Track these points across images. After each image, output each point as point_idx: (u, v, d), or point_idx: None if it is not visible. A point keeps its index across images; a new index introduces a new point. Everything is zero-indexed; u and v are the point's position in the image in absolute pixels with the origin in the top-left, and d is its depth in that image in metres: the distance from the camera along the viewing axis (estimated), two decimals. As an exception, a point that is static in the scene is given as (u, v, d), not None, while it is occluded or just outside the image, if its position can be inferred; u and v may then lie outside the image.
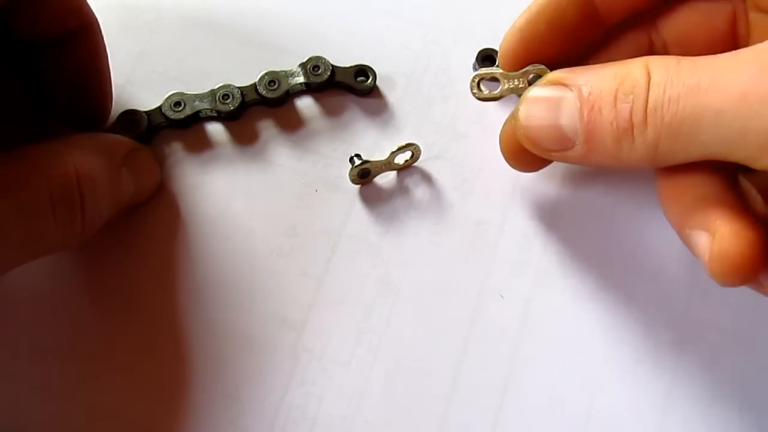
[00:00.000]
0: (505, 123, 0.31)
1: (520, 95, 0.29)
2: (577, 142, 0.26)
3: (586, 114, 0.26)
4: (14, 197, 0.24)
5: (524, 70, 0.29)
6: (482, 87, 0.30)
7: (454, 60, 0.35)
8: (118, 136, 0.31)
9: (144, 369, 0.30)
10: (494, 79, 0.30)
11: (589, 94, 0.26)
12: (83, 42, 0.29)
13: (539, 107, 0.27)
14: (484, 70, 0.30)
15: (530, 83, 0.29)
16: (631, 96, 0.25)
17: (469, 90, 0.30)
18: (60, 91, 0.29)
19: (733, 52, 0.24)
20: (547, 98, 0.27)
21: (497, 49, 0.33)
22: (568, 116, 0.26)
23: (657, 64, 0.25)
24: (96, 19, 0.29)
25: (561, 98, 0.27)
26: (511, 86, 0.30)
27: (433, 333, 0.31)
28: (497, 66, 0.30)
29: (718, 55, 0.24)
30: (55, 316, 0.30)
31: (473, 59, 0.35)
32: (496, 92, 0.30)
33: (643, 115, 0.24)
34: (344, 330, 0.31)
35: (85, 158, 0.26)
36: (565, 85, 0.26)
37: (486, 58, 0.34)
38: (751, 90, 0.22)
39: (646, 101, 0.24)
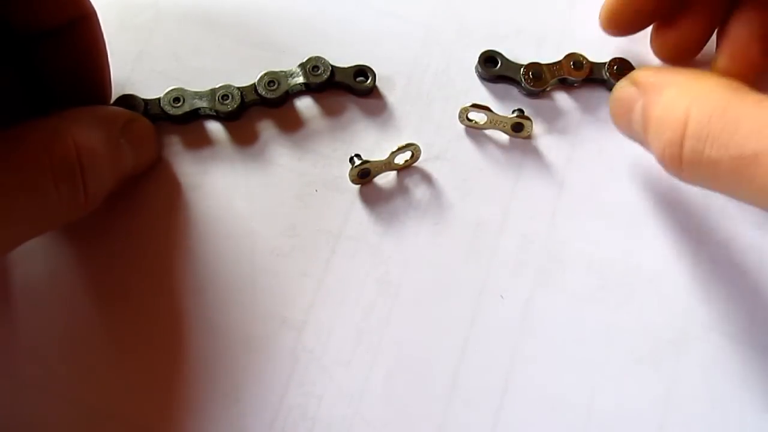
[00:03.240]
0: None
1: (499, 130, 0.34)
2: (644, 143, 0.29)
3: (643, 128, 0.28)
4: (17, 174, 0.24)
5: (509, 116, 0.33)
6: (470, 117, 0.33)
7: (454, 60, 0.35)
8: (114, 107, 0.31)
9: (144, 369, 0.30)
10: (484, 108, 0.33)
11: (645, 112, 0.28)
12: (82, 32, 0.28)
13: (619, 106, 0.30)
14: (474, 107, 0.33)
15: (512, 127, 0.33)
16: (665, 135, 0.26)
17: (457, 116, 0.34)
18: (58, 82, 0.29)
19: None
20: (627, 100, 0.30)
21: (499, 51, 0.34)
22: (637, 121, 0.29)
23: (702, 108, 0.25)
24: (94, 10, 0.29)
25: (634, 102, 0.29)
26: (494, 123, 0.33)
27: (433, 333, 0.31)
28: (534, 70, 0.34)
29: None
30: (54, 317, 0.30)
31: (475, 60, 0.35)
32: (480, 123, 0.34)
33: (677, 160, 0.26)
34: (344, 330, 0.31)
35: (83, 131, 0.27)
36: (640, 88, 0.29)
37: (488, 59, 0.35)
38: None
39: (680, 148, 0.25)
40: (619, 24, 0.33)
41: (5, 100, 0.29)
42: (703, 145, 0.24)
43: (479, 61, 0.35)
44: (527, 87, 0.34)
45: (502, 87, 0.35)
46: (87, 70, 0.30)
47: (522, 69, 0.34)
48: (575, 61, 0.34)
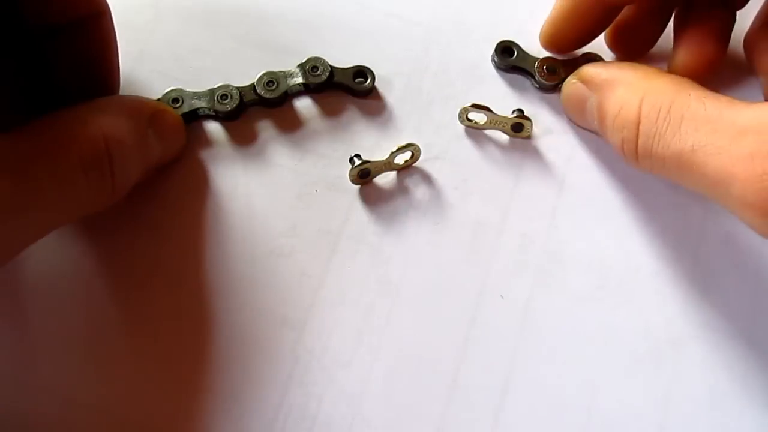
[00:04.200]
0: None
1: (499, 130, 0.34)
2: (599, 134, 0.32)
3: (598, 123, 0.31)
4: (48, 163, 0.24)
5: (509, 117, 0.33)
6: (470, 117, 0.34)
7: (454, 60, 0.35)
8: (141, 97, 0.31)
9: (144, 369, 0.29)
10: (484, 108, 0.33)
11: (599, 109, 0.30)
12: (95, 29, 0.28)
13: (571, 102, 0.33)
14: (474, 107, 0.33)
15: (511, 127, 0.33)
16: (622, 132, 0.28)
17: (457, 117, 0.34)
18: (68, 77, 0.29)
19: (736, 109, 0.25)
20: (578, 96, 0.32)
21: (514, 41, 0.35)
22: (590, 117, 0.32)
23: (651, 106, 0.27)
24: (108, 7, 0.29)
25: (586, 99, 0.32)
26: (494, 123, 0.33)
27: (433, 333, 0.31)
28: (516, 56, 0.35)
29: (721, 106, 0.26)
30: (53, 318, 0.30)
31: (474, 61, 0.35)
32: (480, 123, 0.34)
33: (633, 154, 0.28)
34: (344, 330, 0.31)
35: (111, 121, 0.27)
36: (589, 86, 0.31)
37: (504, 50, 0.35)
38: (733, 170, 0.24)
39: (635, 145, 0.28)
40: (558, 45, 0.34)
41: (13, 93, 0.29)
42: (652, 141, 0.27)
43: (496, 51, 0.35)
44: (541, 81, 0.34)
45: (516, 78, 0.35)
46: (97, 66, 0.30)
47: (537, 63, 0.34)
48: (590, 60, 0.34)
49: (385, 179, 0.33)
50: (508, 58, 0.35)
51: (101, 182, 0.26)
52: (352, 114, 0.34)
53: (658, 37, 0.35)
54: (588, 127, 0.33)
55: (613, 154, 0.34)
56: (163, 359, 0.30)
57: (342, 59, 0.34)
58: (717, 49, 0.32)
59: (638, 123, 0.27)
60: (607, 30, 0.35)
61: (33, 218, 0.24)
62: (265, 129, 0.34)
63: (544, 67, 0.34)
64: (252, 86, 0.33)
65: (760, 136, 0.24)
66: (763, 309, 0.31)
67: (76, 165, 0.25)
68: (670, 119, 0.26)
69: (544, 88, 0.35)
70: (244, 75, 0.33)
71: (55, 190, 0.25)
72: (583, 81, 0.32)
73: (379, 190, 0.33)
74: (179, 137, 0.32)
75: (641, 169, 0.29)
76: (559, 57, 0.35)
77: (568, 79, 0.33)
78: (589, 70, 0.32)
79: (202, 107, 0.33)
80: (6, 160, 0.24)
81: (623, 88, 0.29)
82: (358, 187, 0.33)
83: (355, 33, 0.36)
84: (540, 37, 0.35)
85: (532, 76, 0.35)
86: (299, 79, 0.33)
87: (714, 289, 0.32)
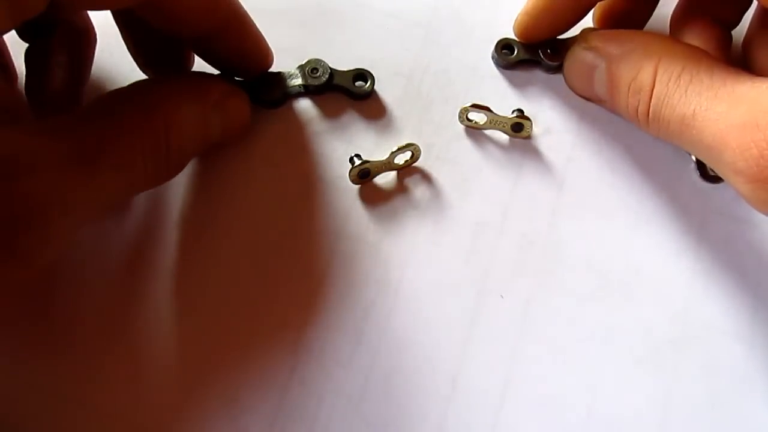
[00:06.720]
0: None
1: (499, 130, 0.34)
2: (606, 102, 0.33)
3: (610, 89, 0.31)
4: (112, 154, 0.25)
5: (509, 116, 0.33)
6: (470, 117, 0.33)
7: (454, 60, 0.35)
8: (213, 78, 0.32)
9: (143, 369, 0.29)
10: (484, 108, 0.33)
11: (612, 74, 0.30)
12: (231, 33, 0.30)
13: (578, 70, 0.33)
14: (474, 107, 0.33)
15: (511, 127, 0.33)
16: (639, 95, 0.29)
17: (457, 117, 0.34)
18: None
19: (740, 80, 0.27)
20: (585, 64, 0.32)
21: (515, 38, 0.35)
22: (599, 84, 0.32)
23: (665, 70, 0.28)
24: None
25: (594, 67, 0.32)
26: (494, 123, 0.33)
27: (433, 333, 0.31)
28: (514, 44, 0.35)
29: (726, 76, 0.27)
30: (52, 318, 0.30)
31: (474, 60, 0.35)
32: (480, 123, 0.34)
33: (645, 117, 0.29)
34: (344, 330, 0.31)
35: (175, 109, 0.28)
36: (599, 53, 0.31)
37: (505, 47, 0.35)
38: (727, 137, 0.26)
39: (648, 107, 0.29)
40: (532, 36, 0.34)
41: None
42: (661, 104, 0.28)
43: (496, 49, 0.35)
44: (547, 63, 0.34)
45: (517, 78, 0.35)
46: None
47: (539, 49, 0.34)
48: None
49: (385, 179, 0.33)
50: (509, 55, 0.35)
51: (157, 166, 0.27)
52: (351, 115, 0.34)
53: (647, 20, 0.35)
54: (590, 96, 0.34)
55: (613, 155, 0.34)
56: (162, 359, 0.30)
57: (342, 59, 0.34)
58: (718, 56, 0.32)
59: (653, 87, 0.28)
60: (596, 18, 0.35)
61: (91, 202, 0.25)
62: (265, 129, 0.34)
63: (548, 48, 0.34)
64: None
65: (753, 107, 0.25)
66: (763, 309, 0.31)
67: (137, 155, 0.26)
68: (680, 83, 0.28)
69: (553, 70, 0.35)
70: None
71: (114, 178, 0.26)
72: (593, 48, 0.32)
73: (379, 190, 0.33)
74: (242, 120, 0.32)
75: (650, 132, 0.30)
76: (559, 37, 0.35)
77: (573, 47, 0.33)
78: (597, 37, 0.32)
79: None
80: (72, 151, 0.24)
81: (638, 53, 0.30)
82: (358, 187, 0.33)
83: (355, 33, 0.36)
84: (514, 28, 0.34)
85: (538, 63, 0.35)
86: (299, 81, 0.33)
87: (714, 289, 0.32)
